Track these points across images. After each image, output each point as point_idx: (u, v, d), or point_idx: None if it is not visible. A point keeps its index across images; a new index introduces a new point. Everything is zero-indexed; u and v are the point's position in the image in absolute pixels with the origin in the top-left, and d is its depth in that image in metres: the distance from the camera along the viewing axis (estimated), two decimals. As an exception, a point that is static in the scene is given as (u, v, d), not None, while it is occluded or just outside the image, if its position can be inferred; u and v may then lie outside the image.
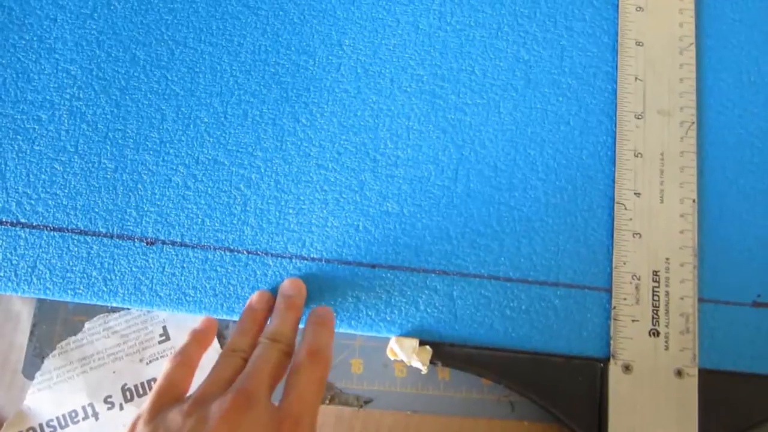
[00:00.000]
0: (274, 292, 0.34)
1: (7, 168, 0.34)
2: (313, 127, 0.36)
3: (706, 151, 0.37)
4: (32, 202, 0.34)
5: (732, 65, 0.38)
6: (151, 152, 0.35)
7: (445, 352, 0.34)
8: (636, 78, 0.37)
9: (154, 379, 0.34)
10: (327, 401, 0.34)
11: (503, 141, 0.36)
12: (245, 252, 0.34)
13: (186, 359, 0.29)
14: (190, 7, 0.37)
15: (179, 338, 0.35)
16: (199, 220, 0.35)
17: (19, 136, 0.35)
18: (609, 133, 0.37)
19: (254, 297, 0.33)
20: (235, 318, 0.34)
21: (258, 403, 0.26)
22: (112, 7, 0.37)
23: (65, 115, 0.35)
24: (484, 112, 0.37)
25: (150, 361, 0.34)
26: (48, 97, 0.36)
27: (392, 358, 0.34)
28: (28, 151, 0.35)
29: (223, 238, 0.35)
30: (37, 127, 0.35)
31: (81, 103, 0.36)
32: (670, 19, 0.38)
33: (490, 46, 0.38)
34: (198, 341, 0.31)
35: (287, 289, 0.33)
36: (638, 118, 0.36)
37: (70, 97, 0.36)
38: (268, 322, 0.31)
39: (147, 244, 0.34)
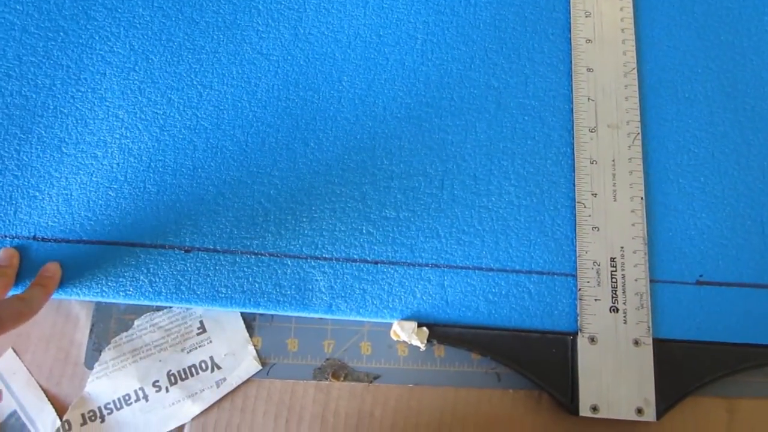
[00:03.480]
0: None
1: (72, 197, 0.41)
2: (320, 150, 0.43)
3: (651, 156, 0.43)
4: (92, 222, 0.41)
5: (669, 84, 0.45)
6: (186, 177, 0.42)
7: (439, 332, 0.40)
8: (588, 98, 0.44)
9: (195, 365, 0.40)
10: (342, 378, 0.40)
11: (480, 155, 0.43)
12: (267, 255, 0.41)
13: None
14: (213, 57, 0.45)
15: (214, 330, 0.41)
16: (228, 230, 0.41)
17: (80, 171, 0.42)
18: (568, 145, 0.44)
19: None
20: (260, 311, 0.41)
21: None
22: (150, 61, 0.45)
23: (116, 152, 0.43)
24: (463, 132, 0.44)
25: (190, 351, 0.40)
26: (102, 138, 0.43)
27: (395, 339, 0.40)
28: (87, 182, 0.42)
29: (249, 243, 0.41)
30: (94, 162, 0.42)
31: (128, 140, 0.43)
32: (615, 48, 0.45)
33: (466, 77, 0.45)
34: None
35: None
36: (592, 132, 0.43)
37: (119, 137, 0.43)
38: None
39: (185, 251, 0.41)
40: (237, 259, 0.41)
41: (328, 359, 0.41)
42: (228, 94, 0.44)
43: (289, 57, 0.45)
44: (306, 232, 0.42)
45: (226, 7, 0.46)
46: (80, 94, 0.44)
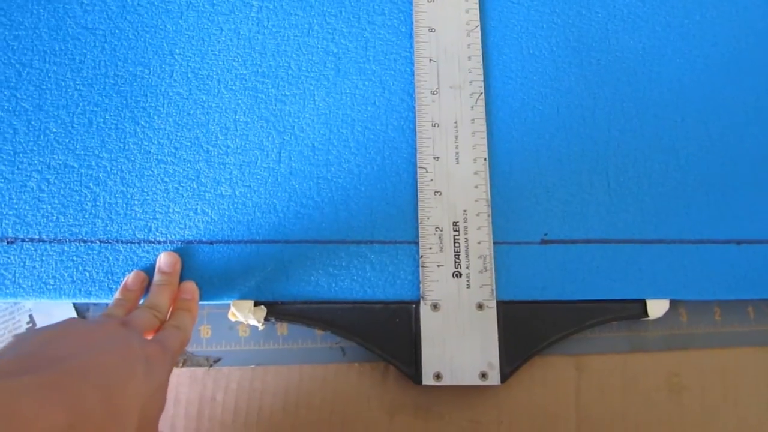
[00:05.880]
0: (150, 272, 0.38)
1: None
2: (151, 128, 0.41)
3: (494, 115, 0.42)
4: None
5: (513, 41, 0.44)
6: (6, 163, 0.40)
7: (278, 309, 0.39)
8: (430, 59, 0.43)
9: (24, 362, 0.38)
10: (180, 365, 0.39)
11: (319, 124, 0.42)
12: (98, 241, 0.39)
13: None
14: (33, 33, 0.42)
15: (45, 323, 0.39)
16: (54, 217, 0.39)
17: None
18: (410, 109, 0.42)
19: (129, 277, 0.37)
20: (93, 300, 0.39)
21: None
22: (-37, 39, 0.42)
23: (-75, 138, 0.40)
24: (301, 101, 0.42)
25: (19, 347, 0.38)
26: None
27: (233, 320, 0.39)
28: None
29: (77, 231, 0.39)
30: None
31: (-60, 126, 0.40)
32: (457, 6, 0.44)
33: (304, 44, 0.43)
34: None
35: (164, 265, 0.38)
36: (434, 94, 0.42)
37: (-71, 122, 0.40)
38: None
39: (8, 243, 0.39)
40: (65, 248, 0.39)
41: (166, 346, 0.39)
42: (50, 72, 0.41)
43: (116, 30, 0.43)
44: (138, 215, 0.40)
45: (47, -20, 0.43)
46: None
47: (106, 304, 0.39)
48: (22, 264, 0.38)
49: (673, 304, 0.40)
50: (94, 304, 0.39)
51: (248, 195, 0.40)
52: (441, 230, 0.40)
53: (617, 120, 0.43)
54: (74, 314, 0.39)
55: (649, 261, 0.40)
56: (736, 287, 0.41)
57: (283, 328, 0.40)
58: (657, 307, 0.40)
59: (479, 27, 0.44)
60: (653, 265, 0.40)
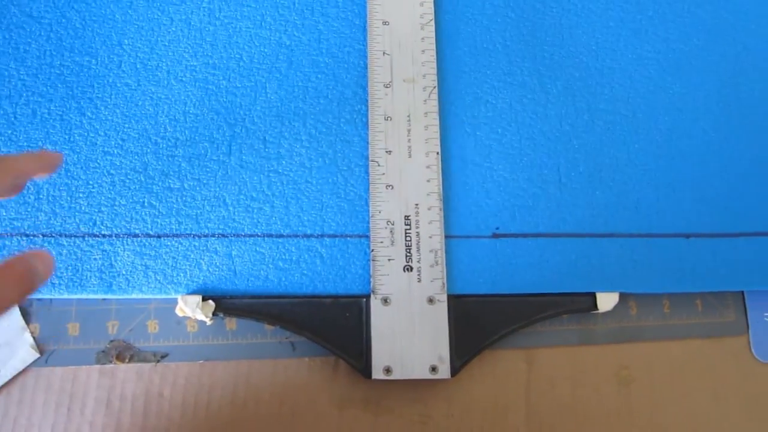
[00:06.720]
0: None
1: None
2: (98, 119, 0.40)
3: (447, 110, 0.42)
4: None
5: (467, 35, 0.44)
6: (-55, 155, 0.39)
7: (226, 304, 0.38)
8: (384, 53, 0.42)
9: (-37, 359, 0.37)
10: (127, 360, 0.38)
11: (270, 117, 0.41)
12: (40, 235, 0.38)
13: None
14: (-25, 21, 0.41)
15: (-15, 320, 0.38)
16: (-5, 211, 0.38)
17: None
18: (362, 102, 0.42)
19: None
20: (35, 296, 0.38)
21: None
22: None
23: None
24: (252, 93, 0.41)
25: (-42, 343, 0.37)
26: None
27: (181, 315, 0.38)
28: None
29: (19, 225, 0.38)
30: None
31: None
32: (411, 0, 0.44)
33: (256, 35, 0.43)
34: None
35: None
36: (387, 87, 0.42)
37: None
38: None
39: (-54, 237, 0.38)
40: (6, 243, 0.38)
41: (112, 341, 0.38)
42: (-7, 62, 0.40)
43: (63, 19, 0.42)
44: (83, 208, 0.39)
45: (-10, -33, 0.42)
46: None
47: (50, 300, 0.39)
48: (-39, 258, 0.37)
49: (623, 297, 0.41)
50: (38, 299, 0.39)
51: (197, 188, 0.40)
52: (392, 224, 0.40)
53: (569, 115, 0.43)
54: (17, 310, 0.38)
55: (599, 255, 0.41)
56: (684, 280, 0.41)
57: (231, 323, 0.39)
58: (606, 300, 0.40)
59: (433, 21, 0.43)
60: (603, 258, 0.41)
